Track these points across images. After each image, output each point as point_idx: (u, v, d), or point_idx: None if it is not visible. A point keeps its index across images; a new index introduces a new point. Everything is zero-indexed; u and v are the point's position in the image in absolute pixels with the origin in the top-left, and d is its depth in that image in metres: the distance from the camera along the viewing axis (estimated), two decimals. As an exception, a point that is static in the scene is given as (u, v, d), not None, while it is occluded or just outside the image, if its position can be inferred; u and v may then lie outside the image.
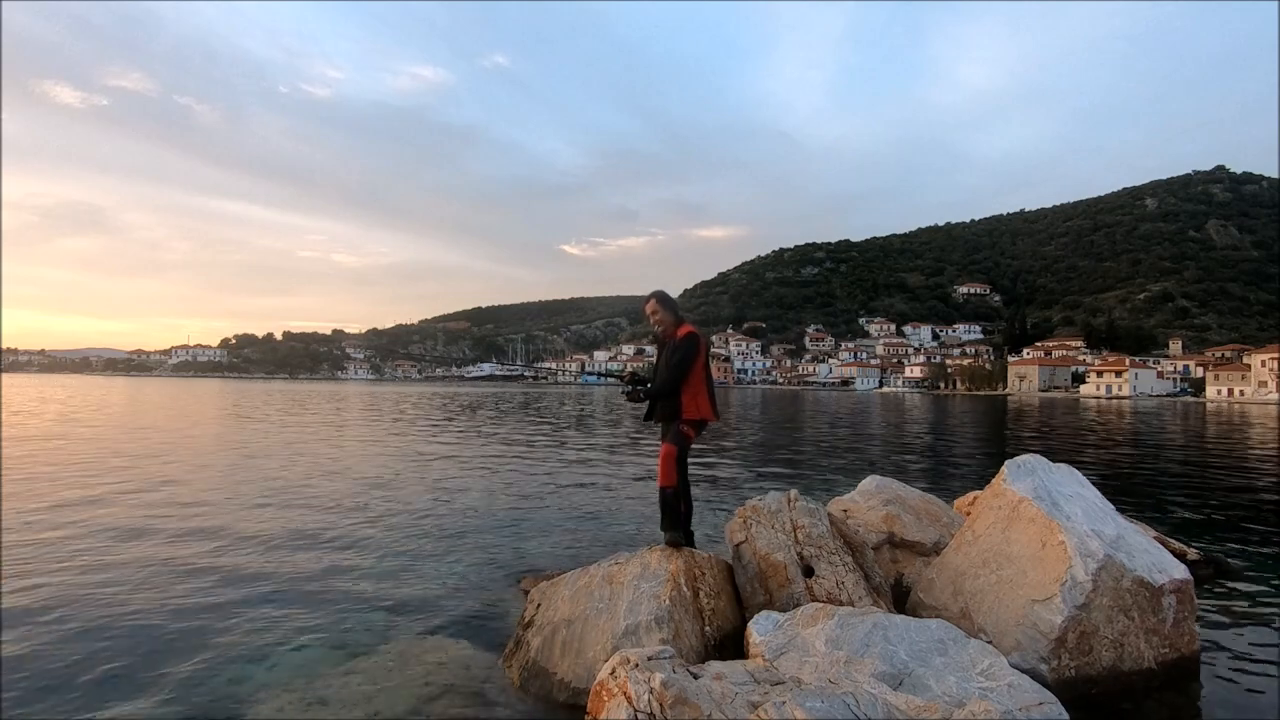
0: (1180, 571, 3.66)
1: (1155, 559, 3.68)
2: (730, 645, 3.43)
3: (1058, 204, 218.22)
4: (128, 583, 4.88)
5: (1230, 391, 75.98)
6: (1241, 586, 5.15)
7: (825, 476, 10.94)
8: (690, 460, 4.20)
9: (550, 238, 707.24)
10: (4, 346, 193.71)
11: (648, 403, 4.23)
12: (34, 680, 3.42)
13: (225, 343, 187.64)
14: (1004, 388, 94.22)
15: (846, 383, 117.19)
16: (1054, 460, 4.27)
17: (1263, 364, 74.64)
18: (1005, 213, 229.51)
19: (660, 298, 4.25)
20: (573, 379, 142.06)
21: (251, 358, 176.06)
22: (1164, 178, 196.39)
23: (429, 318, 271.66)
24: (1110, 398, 75.59)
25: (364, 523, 6.88)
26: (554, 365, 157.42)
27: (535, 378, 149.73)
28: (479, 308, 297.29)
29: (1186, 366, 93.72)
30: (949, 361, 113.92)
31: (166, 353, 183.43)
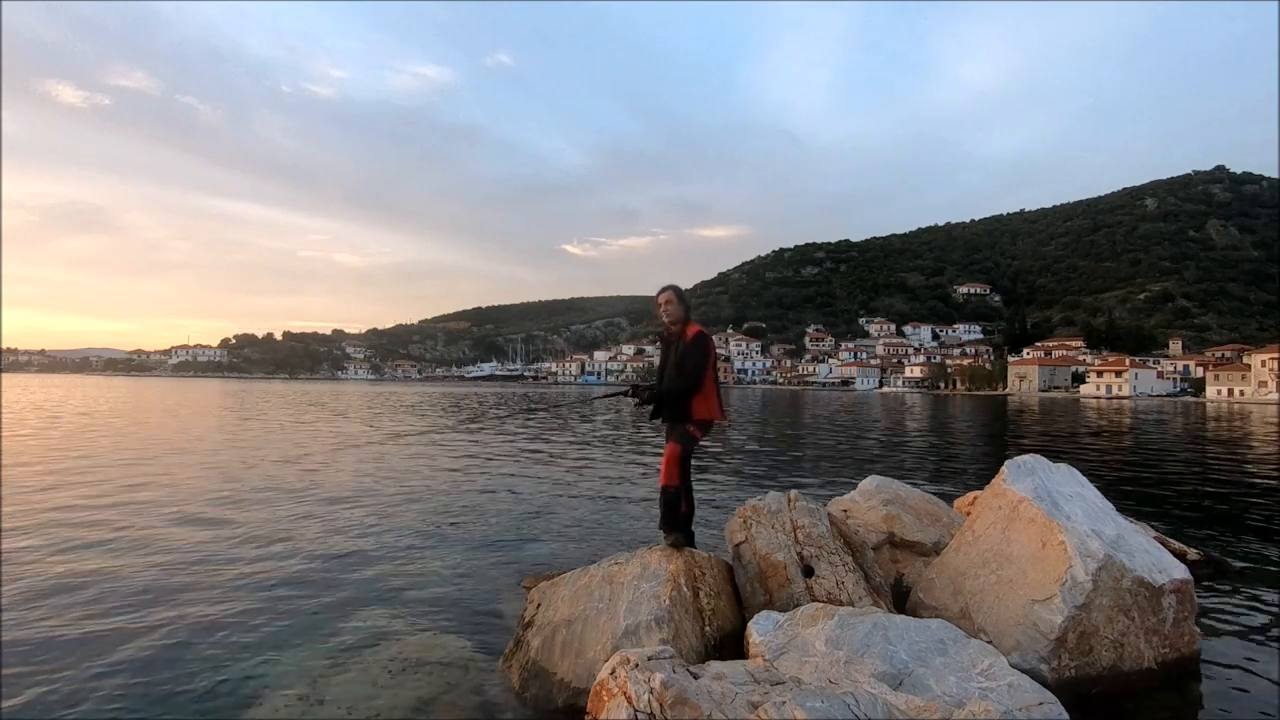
0: (1180, 571, 3.66)
1: (1155, 559, 3.68)
2: (730, 645, 3.42)
3: (1058, 204, 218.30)
4: (127, 582, 4.88)
5: (1230, 391, 75.93)
6: (1241, 586, 5.14)
7: (825, 476, 10.94)
8: (690, 459, 4.20)
9: (551, 237, 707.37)
10: (4, 346, 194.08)
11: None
12: (34, 679, 3.41)
13: (225, 343, 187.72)
14: (1004, 388, 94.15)
15: (846, 383, 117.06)
16: (1054, 460, 4.27)
17: (1263, 364, 74.59)
18: (1005, 213, 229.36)
19: (677, 291, 4.26)
20: (573, 379, 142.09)
21: (251, 358, 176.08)
22: (1164, 178, 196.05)
23: (429, 318, 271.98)
24: (1110, 398, 75.54)
25: (363, 523, 6.88)
26: (554, 367, 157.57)
27: (535, 378, 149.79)
28: (479, 308, 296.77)
29: (1186, 366, 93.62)
30: (949, 361, 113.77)
31: (166, 353, 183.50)
